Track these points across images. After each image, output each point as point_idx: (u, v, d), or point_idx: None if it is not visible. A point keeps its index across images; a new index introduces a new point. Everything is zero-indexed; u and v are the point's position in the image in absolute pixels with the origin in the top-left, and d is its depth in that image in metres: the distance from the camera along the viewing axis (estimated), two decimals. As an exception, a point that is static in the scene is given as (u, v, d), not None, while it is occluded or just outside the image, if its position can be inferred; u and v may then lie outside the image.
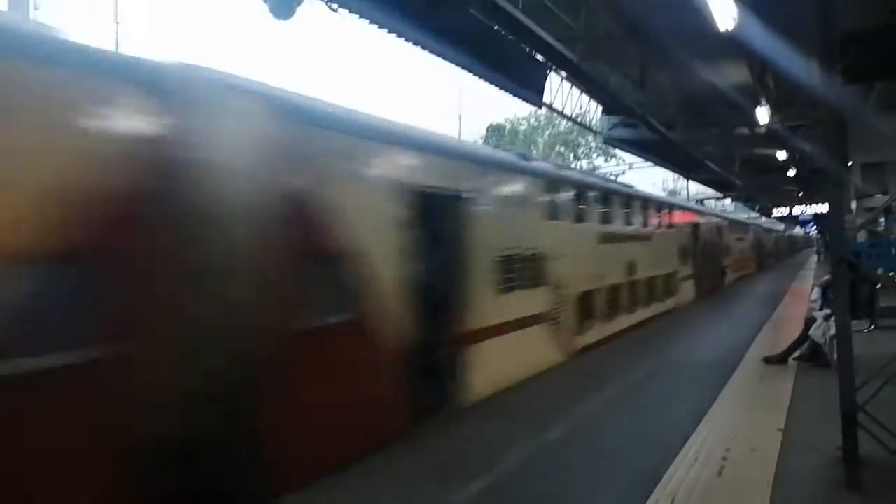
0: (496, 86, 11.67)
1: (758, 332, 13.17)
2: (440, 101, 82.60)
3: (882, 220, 16.02)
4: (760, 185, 36.67)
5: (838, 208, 5.68)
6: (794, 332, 10.40)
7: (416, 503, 5.06)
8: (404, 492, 5.29)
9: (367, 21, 8.56)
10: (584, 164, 50.92)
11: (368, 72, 73.41)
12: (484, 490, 5.26)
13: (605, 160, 48.68)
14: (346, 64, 77.83)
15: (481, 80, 11.34)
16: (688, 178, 37.27)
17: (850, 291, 5.48)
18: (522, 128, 52.85)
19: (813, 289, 13.94)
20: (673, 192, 47.36)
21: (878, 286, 10.65)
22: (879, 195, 15.37)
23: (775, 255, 51.98)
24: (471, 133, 44.61)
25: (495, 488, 5.32)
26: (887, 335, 9.77)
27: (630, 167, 36.71)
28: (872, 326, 11.33)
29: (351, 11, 8.26)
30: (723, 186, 38.15)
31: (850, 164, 15.16)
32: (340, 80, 69.61)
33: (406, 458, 6.15)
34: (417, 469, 5.88)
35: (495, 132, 50.14)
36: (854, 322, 6.77)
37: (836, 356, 5.78)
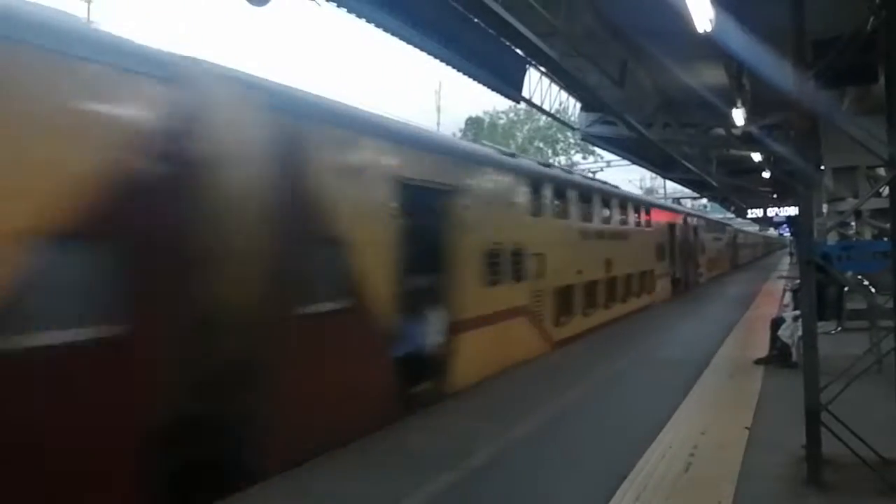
0: (474, 79, 11.67)
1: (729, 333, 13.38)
2: (419, 92, 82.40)
3: (853, 223, 16.25)
4: (736, 187, 37.05)
5: (808, 211, 5.75)
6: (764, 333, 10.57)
7: (388, 493, 5.06)
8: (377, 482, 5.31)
9: (346, 10, 8.49)
10: (562, 160, 51.09)
11: (346, 62, 73.09)
12: (455, 483, 5.29)
13: (584, 157, 48.89)
14: (323, 54, 77.30)
15: (460, 73, 11.33)
16: (664, 177, 37.56)
17: (818, 293, 5.56)
18: (501, 122, 52.90)
19: (785, 292, 14.15)
20: (650, 191, 47.74)
21: (846, 289, 10.81)
22: (851, 199, 15.57)
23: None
24: (450, 126, 44.57)
25: (468, 480, 5.36)
26: (853, 337, 9.91)
27: (608, 164, 36.89)
28: (839, 328, 11.51)
29: (329, 0, 8.20)
30: (699, 186, 38.47)
31: (822, 167, 15.36)
32: (317, 71, 69.17)
33: (375, 450, 6.19)
34: (386, 462, 5.92)
35: (474, 125, 50.11)
36: (821, 323, 6.88)
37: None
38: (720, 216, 52.40)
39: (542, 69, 14.75)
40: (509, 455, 6.04)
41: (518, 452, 6.13)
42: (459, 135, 48.25)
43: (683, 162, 24.99)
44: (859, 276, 10.50)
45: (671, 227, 23.18)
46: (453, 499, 5.04)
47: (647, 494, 4.91)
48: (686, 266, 25.14)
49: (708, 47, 10.52)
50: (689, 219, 26.64)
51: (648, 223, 19.96)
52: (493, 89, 12.54)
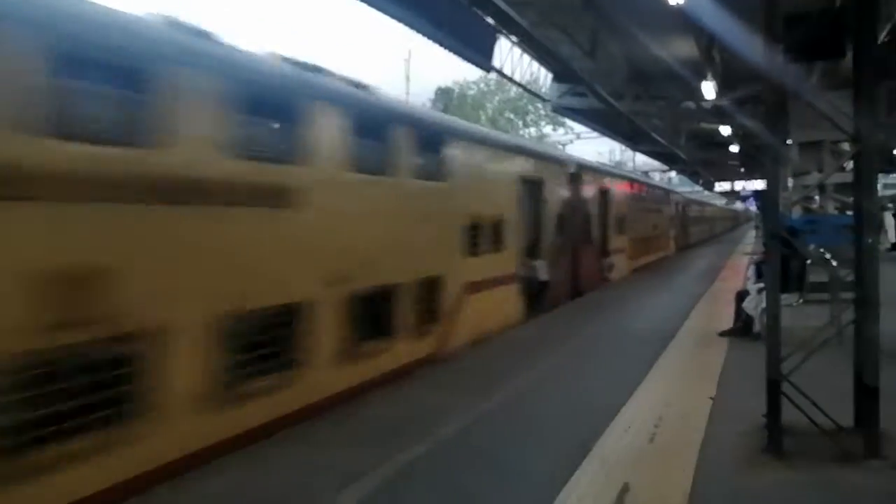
0: (444, 47, 11.55)
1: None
2: (390, 61, 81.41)
3: (816, 197, 16.55)
4: (705, 160, 37.48)
5: (775, 185, 5.81)
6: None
7: (360, 463, 5.07)
8: (344, 453, 5.34)
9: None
10: (532, 131, 51.08)
11: (315, 29, 71.80)
12: (425, 454, 5.35)
13: (554, 129, 48.97)
14: (292, 20, 75.88)
15: (430, 41, 11.20)
16: (634, 149, 37.82)
17: (781, 266, 5.65)
18: (471, 92, 52.64)
19: (749, 265, 14.41)
20: (619, 164, 47.99)
21: (809, 262, 11.01)
22: (816, 173, 15.84)
23: None
24: (420, 96, 44.20)
25: (436, 452, 5.40)
26: (815, 309, 10.13)
27: (578, 137, 37.01)
28: (801, 300, 11.75)
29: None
30: (669, 159, 38.88)
31: (789, 141, 15.57)
32: (284, 36, 68.00)
33: (336, 426, 6.21)
34: (356, 433, 5.94)
35: (444, 95, 49.79)
36: (784, 296, 7.00)
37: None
38: (689, 189, 52.87)
39: (514, 39, 14.64)
40: (478, 427, 6.09)
41: (487, 424, 6.18)
42: (429, 105, 47.90)
43: (653, 134, 25.19)
44: (821, 250, 10.72)
45: (532, 187, 12.53)
46: (423, 469, 5.07)
47: (612, 464, 4.98)
48: (575, 256, 14.96)
49: (679, 19, 10.54)
50: (585, 176, 15.97)
51: (440, 171, 9.30)
52: (463, 58, 12.43)
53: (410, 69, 51.55)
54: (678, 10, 9.39)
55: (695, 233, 39.87)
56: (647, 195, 25.05)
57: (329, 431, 6.01)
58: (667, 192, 31.46)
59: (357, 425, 6.21)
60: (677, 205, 33.43)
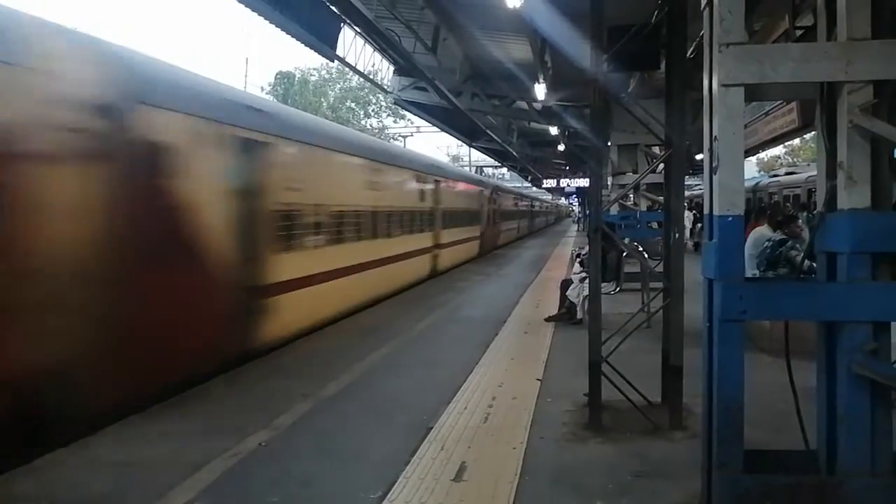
0: (286, 32, 11.27)
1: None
2: (227, 42, 77.75)
3: (631, 195, 18.00)
4: (534, 157, 39.37)
5: (598, 183, 6.35)
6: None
7: (198, 457, 4.90)
8: (182, 446, 5.15)
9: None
10: (373, 122, 51.10)
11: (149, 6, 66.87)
12: (267, 441, 5.32)
13: (395, 121, 49.32)
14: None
15: (272, 25, 10.88)
16: (470, 145, 39.01)
17: (601, 258, 6.19)
18: (313, 79, 51.67)
19: (572, 257, 15.49)
20: (456, 158, 49.24)
21: (625, 253, 12.02)
22: (631, 173, 17.20)
23: None
24: (260, 79, 42.70)
25: (279, 439, 5.39)
26: (629, 297, 11.15)
27: (418, 130, 37.53)
28: (618, 289, 12.81)
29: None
30: (501, 156, 40.44)
31: (609, 143, 16.77)
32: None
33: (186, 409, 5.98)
34: (194, 425, 5.73)
35: (284, 80, 48.45)
36: (603, 285, 7.65)
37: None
38: (519, 184, 55.06)
39: (357, 29, 14.60)
40: (321, 412, 6.13)
41: (330, 409, 6.23)
42: (268, 88, 46.39)
43: (488, 132, 26.09)
44: (635, 243, 11.74)
45: None
46: (264, 458, 5.02)
47: (450, 444, 5.23)
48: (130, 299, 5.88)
49: (516, 22, 11.02)
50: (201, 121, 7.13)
51: None
52: (306, 44, 12.20)
53: (251, 54, 49.61)
54: (515, 14, 9.83)
55: (512, 229, 35.16)
56: (431, 182, 18.54)
57: (162, 424, 5.75)
58: (476, 181, 26.84)
59: (192, 416, 6.00)
60: (490, 197, 27.98)
